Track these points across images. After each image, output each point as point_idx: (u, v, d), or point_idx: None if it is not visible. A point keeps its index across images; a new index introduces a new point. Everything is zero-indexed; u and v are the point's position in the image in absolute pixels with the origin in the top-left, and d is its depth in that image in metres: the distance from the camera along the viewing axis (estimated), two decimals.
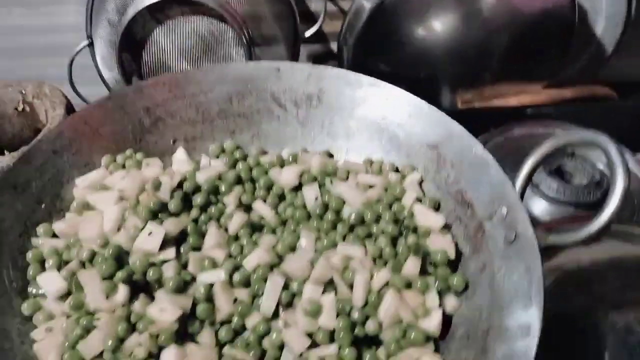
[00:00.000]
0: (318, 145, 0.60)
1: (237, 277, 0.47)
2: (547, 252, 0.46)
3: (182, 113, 0.59)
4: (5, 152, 0.69)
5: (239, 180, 0.56)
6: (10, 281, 0.46)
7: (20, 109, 0.77)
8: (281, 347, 0.45)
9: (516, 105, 0.85)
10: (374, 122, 0.58)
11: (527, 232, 0.46)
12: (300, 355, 0.44)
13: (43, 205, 0.51)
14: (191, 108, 0.59)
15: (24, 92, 0.76)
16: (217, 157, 0.59)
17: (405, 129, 0.57)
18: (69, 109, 0.74)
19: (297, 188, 0.56)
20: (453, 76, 0.84)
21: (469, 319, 0.47)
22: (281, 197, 0.56)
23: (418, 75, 0.80)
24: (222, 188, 0.55)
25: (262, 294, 0.46)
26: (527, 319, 0.42)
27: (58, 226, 0.50)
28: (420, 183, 0.55)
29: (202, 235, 0.51)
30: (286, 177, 0.56)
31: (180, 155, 0.58)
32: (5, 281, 0.46)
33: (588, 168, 0.70)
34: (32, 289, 0.47)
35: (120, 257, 0.47)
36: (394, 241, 0.50)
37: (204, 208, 0.53)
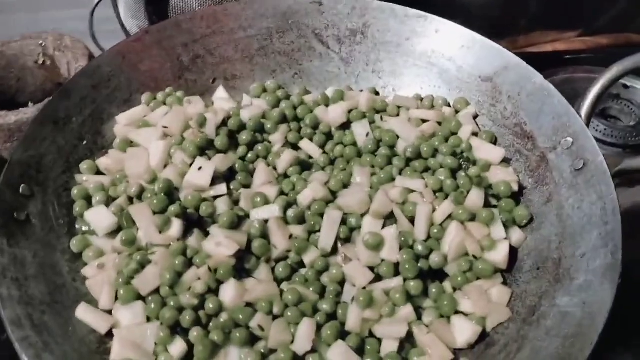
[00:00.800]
0: (363, 83, 0.58)
1: (291, 213, 0.45)
2: None
3: (221, 50, 0.56)
4: (30, 103, 0.67)
5: (283, 119, 0.53)
6: (56, 217, 0.44)
7: (40, 62, 0.73)
8: (341, 282, 0.43)
9: (551, 51, 0.83)
10: (423, 57, 0.56)
11: (596, 158, 0.44)
12: (363, 289, 0.42)
13: (85, 142, 0.49)
14: (230, 45, 0.56)
15: (44, 44, 0.73)
16: (259, 97, 0.56)
17: (456, 62, 0.54)
18: None
19: (345, 126, 0.54)
20: (488, 22, 0.81)
21: (538, 251, 0.45)
22: (328, 136, 0.53)
23: (453, 20, 0.77)
24: (268, 126, 0.52)
25: (319, 229, 0.44)
26: (605, 243, 0.40)
27: (103, 162, 0.48)
28: (475, 118, 0.53)
29: (250, 173, 0.49)
30: (333, 115, 0.53)
31: (221, 94, 0.55)
32: (52, 218, 0.44)
33: (635, 110, 0.68)
34: (79, 226, 0.45)
35: (171, 193, 0.45)
36: (453, 174, 0.48)
37: (250, 146, 0.51)
